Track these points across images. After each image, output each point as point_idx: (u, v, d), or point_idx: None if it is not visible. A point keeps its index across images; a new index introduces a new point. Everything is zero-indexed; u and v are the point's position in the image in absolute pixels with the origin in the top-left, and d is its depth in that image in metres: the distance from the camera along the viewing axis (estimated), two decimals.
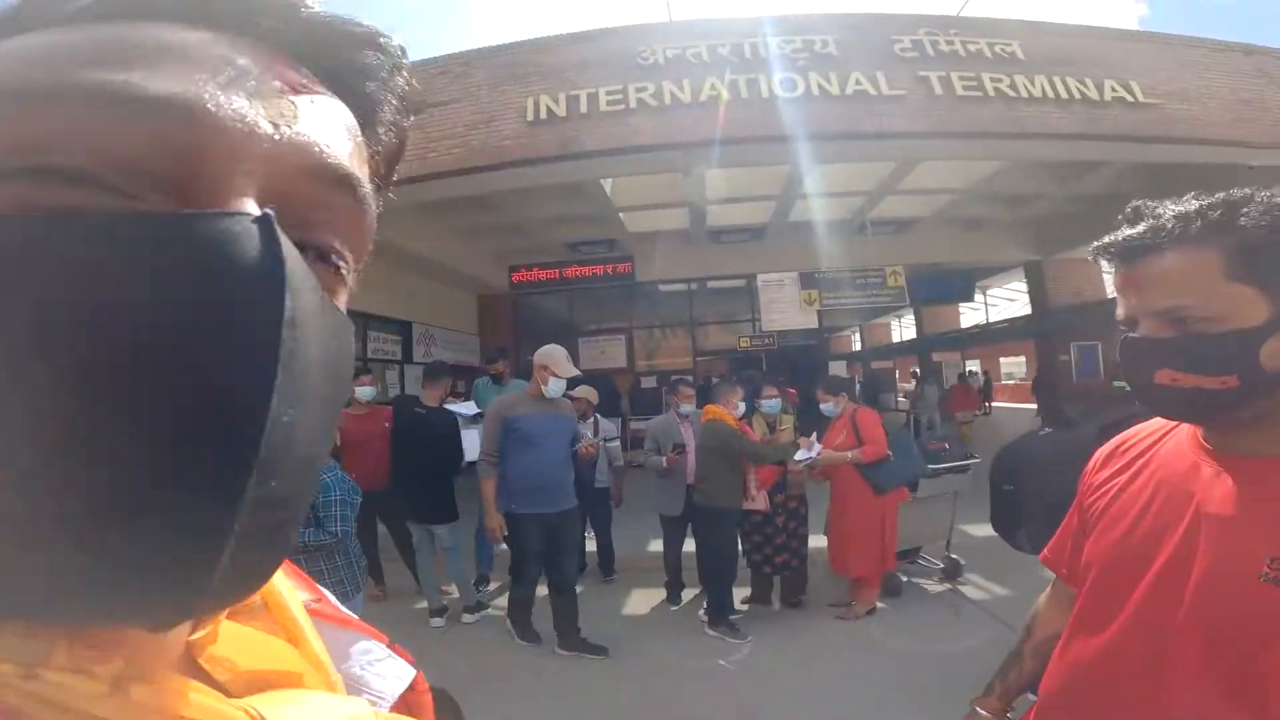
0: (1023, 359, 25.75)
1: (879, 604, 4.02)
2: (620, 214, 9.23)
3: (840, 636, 3.71)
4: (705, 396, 4.81)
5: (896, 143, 6.11)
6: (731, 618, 3.76)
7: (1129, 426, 0.99)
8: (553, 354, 3.45)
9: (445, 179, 5.72)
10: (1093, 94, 5.72)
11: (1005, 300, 17.64)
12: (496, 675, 3.37)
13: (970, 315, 18.42)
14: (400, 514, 4.21)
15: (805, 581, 4.18)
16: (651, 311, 12.74)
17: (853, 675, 3.21)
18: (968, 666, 3.08)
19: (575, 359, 13.08)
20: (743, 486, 3.82)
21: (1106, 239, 0.81)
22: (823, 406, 4.24)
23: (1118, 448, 0.96)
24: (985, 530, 5.48)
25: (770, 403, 4.28)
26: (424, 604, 4.15)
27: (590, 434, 4.57)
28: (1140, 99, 5.83)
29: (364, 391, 4.31)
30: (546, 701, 3.10)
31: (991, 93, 5.72)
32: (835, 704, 2.95)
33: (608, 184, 8.16)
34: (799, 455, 3.91)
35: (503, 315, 11.95)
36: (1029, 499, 2.42)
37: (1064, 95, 5.68)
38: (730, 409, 3.88)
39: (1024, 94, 5.71)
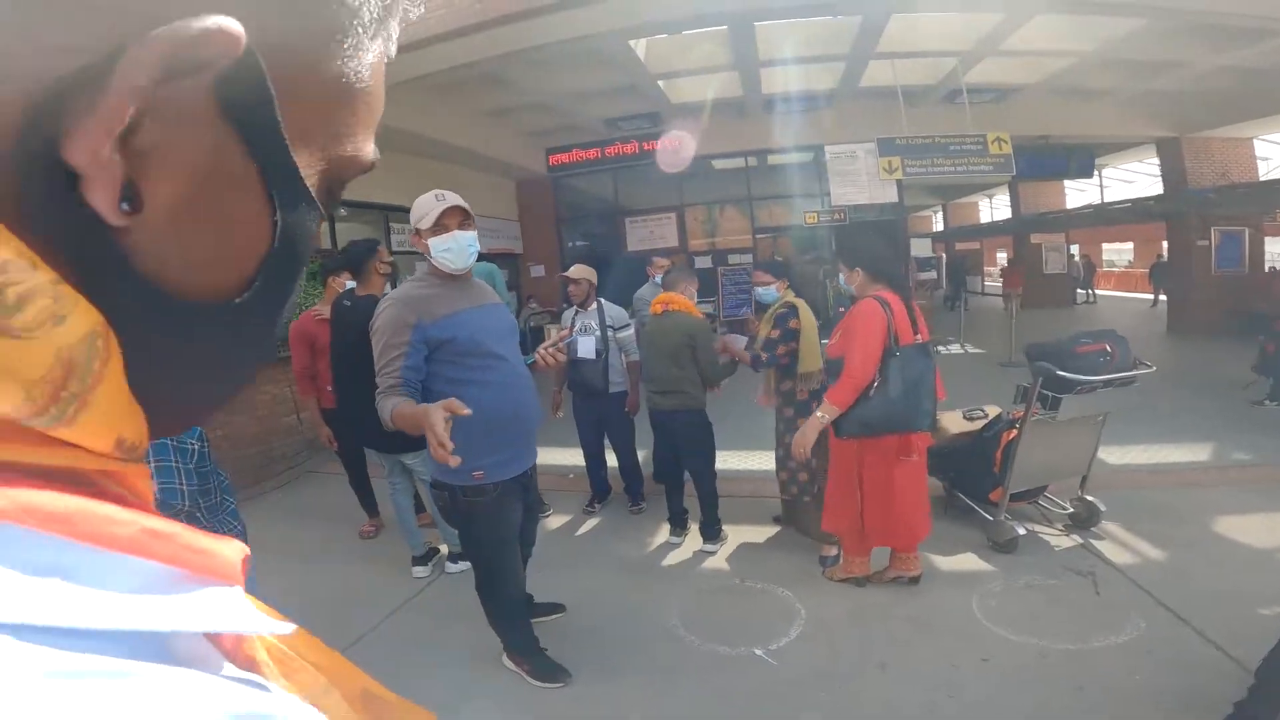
0: (1130, 245, 22.90)
1: (985, 565, 2.95)
2: (659, 82, 8.07)
3: (915, 610, 2.67)
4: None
5: None
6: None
7: None
8: (417, 206, 2.09)
9: (427, 49, 4.79)
10: None
11: (1119, 181, 15.19)
12: (479, 641, 2.68)
13: (1074, 196, 16.03)
14: (352, 437, 3.41)
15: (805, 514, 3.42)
16: (704, 188, 11.67)
17: (929, 677, 2.25)
18: (1116, 675, 2.11)
19: (621, 240, 12.01)
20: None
21: None
22: (841, 277, 2.98)
23: None
24: (1126, 458, 4.29)
25: (764, 290, 3.43)
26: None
27: (595, 325, 3.79)
28: None
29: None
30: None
31: None
32: None
33: (640, 48, 6.95)
34: None
35: (543, 199, 11.32)
36: None
37: None
38: (690, 300, 3.46)
39: None
